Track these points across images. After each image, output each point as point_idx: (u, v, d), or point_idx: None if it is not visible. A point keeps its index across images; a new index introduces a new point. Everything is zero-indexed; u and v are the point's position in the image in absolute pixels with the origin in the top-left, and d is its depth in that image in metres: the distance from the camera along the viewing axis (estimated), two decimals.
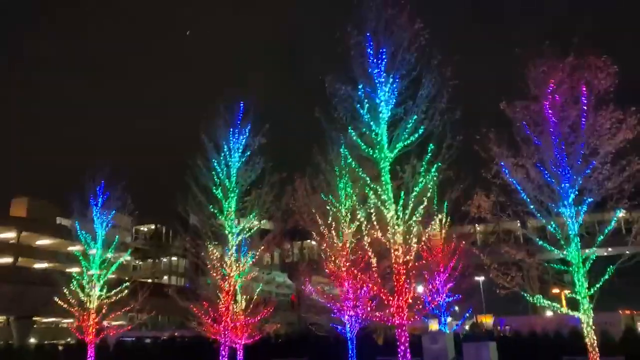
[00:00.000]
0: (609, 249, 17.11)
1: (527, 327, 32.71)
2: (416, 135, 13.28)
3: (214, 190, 18.14)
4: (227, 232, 18.18)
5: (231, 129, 18.68)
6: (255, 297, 31.41)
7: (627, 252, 17.98)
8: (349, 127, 13.58)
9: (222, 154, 18.57)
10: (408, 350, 12.64)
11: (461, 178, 14.94)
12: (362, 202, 14.66)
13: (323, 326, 28.55)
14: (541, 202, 17.72)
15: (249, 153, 18.98)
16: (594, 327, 16.95)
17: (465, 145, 16.85)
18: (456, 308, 36.01)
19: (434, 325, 34.58)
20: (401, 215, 13.17)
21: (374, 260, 13.68)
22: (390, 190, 13.27)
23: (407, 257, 13.07)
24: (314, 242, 36.51)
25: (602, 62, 17.05)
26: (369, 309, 13.51)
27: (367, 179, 13.31)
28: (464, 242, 32.14)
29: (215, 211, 18.13)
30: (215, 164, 18.30)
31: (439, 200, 14.85)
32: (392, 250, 13.06)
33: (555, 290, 36.72)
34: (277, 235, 23.25)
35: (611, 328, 29.01)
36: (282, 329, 56.16)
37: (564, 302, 36.95)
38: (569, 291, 21.35)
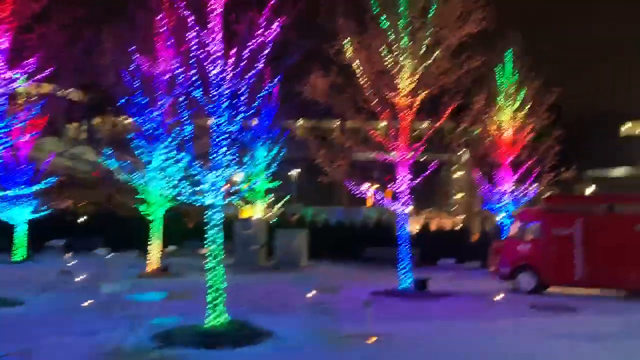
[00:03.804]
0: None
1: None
2: None
3: None
4: None
5: None
6: (43, 168, 26.91)
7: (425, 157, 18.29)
8: None
9: None
10: (219, 233, 10.71)
11: (301, 43, 12.67)
12: (187, 63, 11.54)
13: (126, 206, 25.59)
14: (379, 89, 16.65)
15: None
16: (423, 219, 17.20)
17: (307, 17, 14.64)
18: (269, 197, 35.66)
19: (247, 212, 33.80)
20: (229, 76, 10.66)
21: (188, 129, 11.09)
22: (221, 40, 10.57)
23: (231, 127, 10.76)
24: (129, 120, 31.94)
25: None
26: (182, 188, 11.03)
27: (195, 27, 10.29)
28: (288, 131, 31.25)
29: None
30: None
31: (273, 70, 12.49)
32: (215, 117, 10.62)
33: (365, 185, 38.04)
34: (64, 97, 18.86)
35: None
36: (85, 208, 51.50)
37: (370, 197, 39.01)
38: (377, 187, 21.69)
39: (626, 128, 77.38)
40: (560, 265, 16.96)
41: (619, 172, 69.63)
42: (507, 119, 23.32)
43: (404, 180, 16.83)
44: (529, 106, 23.33)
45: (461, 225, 43.71)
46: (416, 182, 16.99)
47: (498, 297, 15.45)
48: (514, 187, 23.62)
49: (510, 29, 23.00)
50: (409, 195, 16.85)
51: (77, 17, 15.20)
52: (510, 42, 23.17)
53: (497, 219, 25.34)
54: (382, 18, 16.26)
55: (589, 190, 56.70)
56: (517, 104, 23.35)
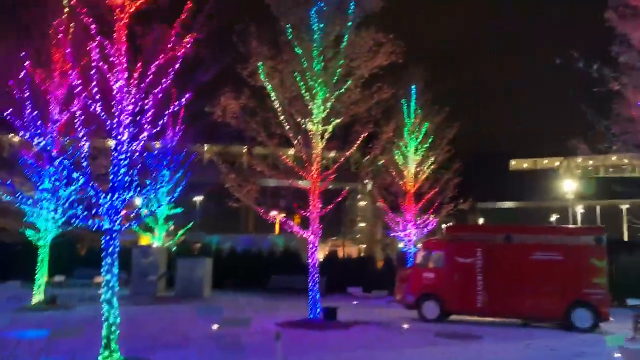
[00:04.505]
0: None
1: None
2: None
3: None
4: None
5: None
6: None
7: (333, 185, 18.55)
8: None
9: None
10: (116, 261, 9.78)
11: (213, 61, 12.12)
12: (87, 74, 10.59)
13: (10, 231, 23.12)
14: (291, 115, 16.48)
15: None
16: (329, 246, 16.97)
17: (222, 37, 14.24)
18: (171, 224, 34.00)
19: (146, 239, 31.92)
20: (133, 91, 9.94)
21: (84, 147, 10.16)
22: (124, 52, 9.83)
23: (132, 147, 9.99)
24: (17, 137, 29.15)
25: None
26: (76, 211, 10.00)
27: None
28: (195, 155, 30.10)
29: None
30: None
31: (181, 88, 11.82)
32: (115, 135, 9.81)
33: (273, 213, 37.73)
34: None
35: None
36: None
37: (277, 224, 38.60)
38: (283, 215, 21.44)
39: (514, 164, 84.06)
40: (462, 294, 17.44)
41: (506, 204, 75.04)
42: (412, 150, 24.12)
43: (314, 208, 16.64)
44: (431, 139, 24.31)
45: (363, 253, 44.24)
46: (326, 209, 16.88)
47: (405, 326, 15.54)
48: (417, 216, 24.31)
49: (416, 65, 24.09)
50: (319, 223, 16.66)
51: None
52: (415, 77, 24.19)
53: (400, 246, 25.87)
54: (296, 44, 16.23)
55: (480, 221, 60.37)
56: (421, 136, 24.24)
